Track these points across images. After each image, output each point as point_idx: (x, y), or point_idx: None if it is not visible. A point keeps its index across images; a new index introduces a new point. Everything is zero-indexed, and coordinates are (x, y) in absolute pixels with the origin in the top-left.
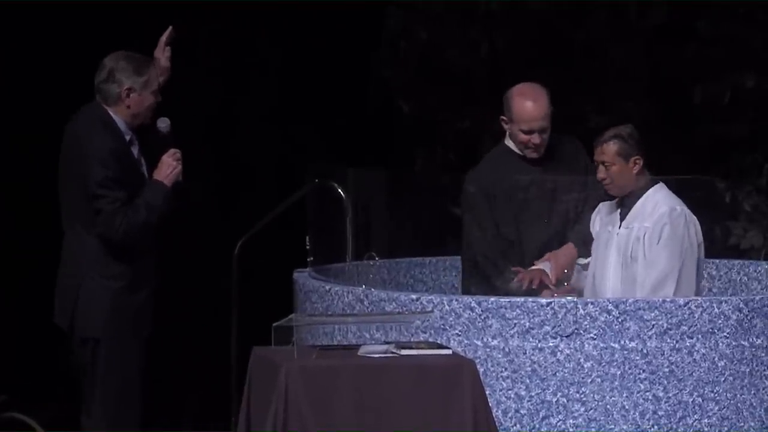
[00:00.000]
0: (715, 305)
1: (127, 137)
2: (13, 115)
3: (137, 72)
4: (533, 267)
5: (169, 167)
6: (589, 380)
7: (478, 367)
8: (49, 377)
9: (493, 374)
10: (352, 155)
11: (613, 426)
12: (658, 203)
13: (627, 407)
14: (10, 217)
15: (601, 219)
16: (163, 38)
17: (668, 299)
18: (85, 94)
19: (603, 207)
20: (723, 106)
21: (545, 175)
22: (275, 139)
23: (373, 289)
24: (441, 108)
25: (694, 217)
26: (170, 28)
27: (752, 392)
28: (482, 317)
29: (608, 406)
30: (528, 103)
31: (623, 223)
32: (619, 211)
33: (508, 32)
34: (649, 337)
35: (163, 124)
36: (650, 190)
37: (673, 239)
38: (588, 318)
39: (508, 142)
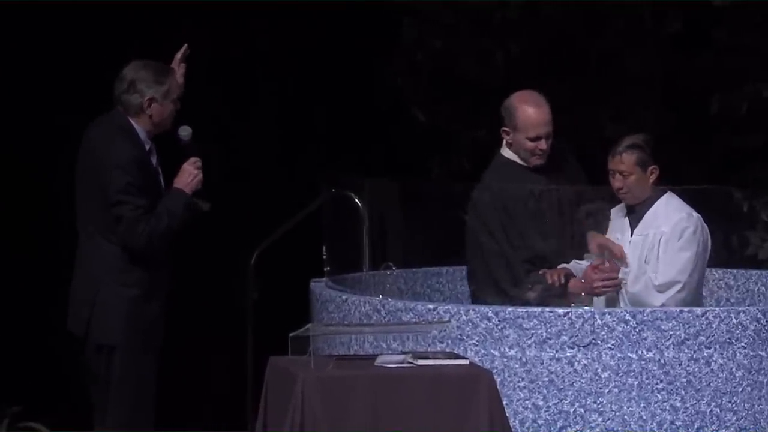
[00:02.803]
0: (732, 315)
1: (147, 146)
2: (22, 119)
3: (158, 81)
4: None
5: (189, 175)
6: (607, 390)
7: (496, 377)
8: (59, 383)
9: (511, 384)
10: (367, 165)
11: None
12: (672, 210)
13: (644, 417)
14: (21, 226)
15: (610, 226)
16: (178, 55)
17: (686, 309)
18: (94, 98)
19: (612, 214)
20: (740, 116)
21: (551, 184)
22: (290, 148)
23: (389, 299)
24: (456, 117)
25: (706, 226)
26: (185, 45)
27: None
28: (499, 327)
29: (626, 417)
30: (532, 110)
31: (635, 230)
32: (627, 219)
33: (523, 41)
34: (667, 348)
35: (185, 132)
36: (662, 198)
37: (691, 241)
38: (605, 328)
39: (507, 153)
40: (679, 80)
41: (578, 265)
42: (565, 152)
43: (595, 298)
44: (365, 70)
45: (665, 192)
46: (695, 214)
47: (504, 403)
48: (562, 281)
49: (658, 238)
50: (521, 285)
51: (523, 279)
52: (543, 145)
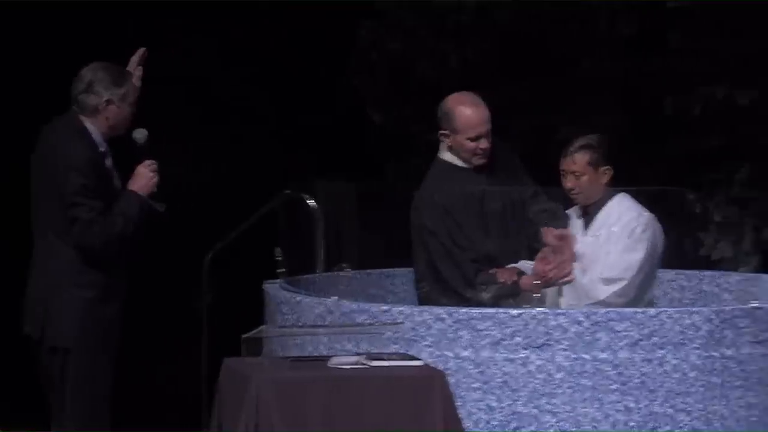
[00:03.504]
0: (686, 316)
1: (102, 149)
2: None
3: (116, 83)
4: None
5: (144, 178)
6: (560, 391)
7: (449, 378)
8: (14, 385)
9: (464, 385)
10: (322, 167)
11: None
12: (624, 210)
13: (598, 418)
14: None
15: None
16: (135, 58)
17: (639, 310)
18: (51, 100)
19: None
20: (694, 117)
21: (493, 184)
22: (246, 150)
23: (343, 300)
24: (413, 119)
25: (659, 225)
26: (142, 49)
27: (723, 403)
28: (453, 328)
29: (579, 417)
30: (470, 110)
31: (588, 231)
32: (582, 220)
33: (479, 44)
34: (620, 348)
35: (140, 135)
36: (614, 199)
37: (641, 240)
38: (559, 329)
39: (446, 156)
40: (634, 83)
41: (527, 264)
42: (506, 152)
43: (549, 293)
44: (324, 70)
45: (618, 193)
46: (646, 213)
47: (458, 404)
48: (515, 278)
49: (609, 238)
50: (473, 285)
51: (473, 279)
52: (484, 144)
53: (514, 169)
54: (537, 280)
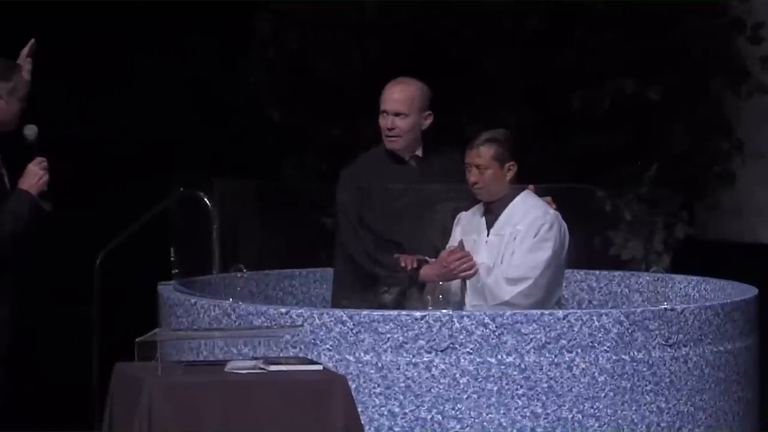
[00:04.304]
0: (595, 318)
1: None
2: None
3: (3, 77)
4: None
5: (35, 176)
6: (465, 396)
7: (350, 383)
8: None
9: (366, 390)
10: (219, 164)
11: None
12: (529, 208)
13: (504, 424)
14: None
15: (462, 228)
16: (25, 50)
17: (547, 312)
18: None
19: (463, 216)
20: (603, 113)
21: (423, 175)
22: (140, 147)
23: (240, 303)
24: (312, 117)
25: (564, 223)
26: (32, 40)
27: (633, 408)
28: (354, 331)
29: (485, 424)
30: (387, 86)
31: (492, 230)
32: (484, 218)
33: (381, 41)
34: (527, 352)
35: (30, 131)
36: (518, 197)
37: (546, 239)
38: (464, 332)
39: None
40: (540, 79)
41: (430, 260)
42: (451, 156)
43: (452, 290)
44: (223, 66)
45: (522, 190)
46: (552, 211)
47: (359, 410)
48: (415, 265)
49: (514, 237)
50: (381, 263)
51: (377, 256)
52: (388, 122)
53: (452, 172)
54: (439, 270)
